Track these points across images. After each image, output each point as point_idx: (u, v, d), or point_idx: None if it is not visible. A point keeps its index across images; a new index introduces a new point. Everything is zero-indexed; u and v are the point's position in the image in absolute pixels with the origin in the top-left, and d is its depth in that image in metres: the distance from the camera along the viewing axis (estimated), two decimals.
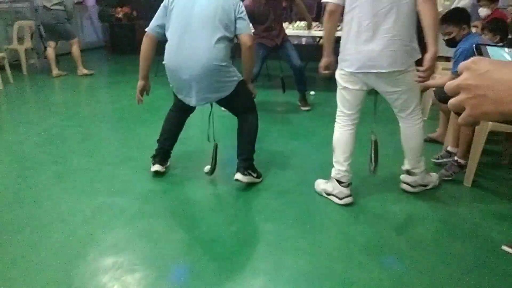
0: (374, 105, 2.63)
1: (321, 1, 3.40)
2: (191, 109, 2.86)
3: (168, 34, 2.59)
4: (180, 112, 2.89)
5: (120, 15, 8.62)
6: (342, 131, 2.54)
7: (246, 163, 2.73)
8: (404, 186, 2.70)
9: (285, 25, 4.93)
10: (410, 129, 2.53)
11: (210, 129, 2.76)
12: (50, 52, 6.27)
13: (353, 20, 2.33)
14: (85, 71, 6.43)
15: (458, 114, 0.59)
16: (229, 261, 2.02)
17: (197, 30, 2.50)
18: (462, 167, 2.83)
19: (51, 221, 2.35)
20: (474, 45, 0.93)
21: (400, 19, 2.24)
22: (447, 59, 4.84)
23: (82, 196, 2.64)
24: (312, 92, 5.26)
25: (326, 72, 2.59)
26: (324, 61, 2.56)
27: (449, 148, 3.08)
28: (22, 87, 5.85)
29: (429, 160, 3.09)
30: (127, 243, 2.16)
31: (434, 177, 2.74)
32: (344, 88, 2.47)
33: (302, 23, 5.25)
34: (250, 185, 2.77)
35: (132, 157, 3.26)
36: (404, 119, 2.53)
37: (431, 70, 2.24)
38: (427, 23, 2.19)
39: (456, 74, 0.60)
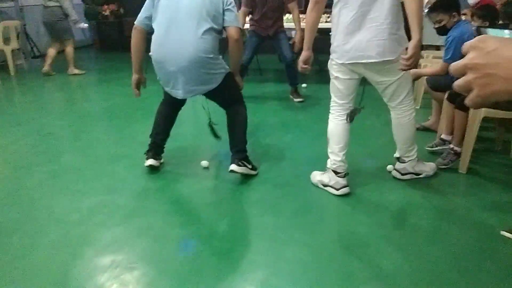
0: (362, 91, 2.56)
1: None
2: (181, 102, 2.85)
3: (154, 26, 2.57)
4: (171, 106, 2.87)
5: (107, 13, 8.52)
6: (336, 122, 2.53)
7: (240, 154, 2.72)
8: (394, 173, 2.73)
9: None
10: (401, 119, 2.53)
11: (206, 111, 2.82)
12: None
13: (340, 11, 2.33)
14: (76, 71, 6.36)
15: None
16: (228, 256, 2.01)
17: (184, 21, 2.47)
18: (459, 154, 2.84)
19: (47, 222, 2.32)
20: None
21: (385, 8, 2.23)
22: (437, 48, 4.86)
23: (77, 195, 2.61)
24: (304, 85, 5.25)
25: (305, 67, 2.54)
26: (303, 55, 2.53)
27: (443, 136, 3.09)
28: (11, 88, 5.76)
29: (424, 148, 3.11)
30: (125, 241, 2.14)
31: (428, 167, 2.74)
32: (336, 77, 2.47)
33: None
34: (246, 179, 2.76)
35: (126, 155, 3.23)
36: (394, 109, 2.53)
37: (416, 58, 2.22)
38: (411, 11, 2.20)
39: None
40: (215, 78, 2.58)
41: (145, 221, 2.32)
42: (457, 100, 2.78)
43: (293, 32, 7.99)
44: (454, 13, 2.94)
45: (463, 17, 3.20)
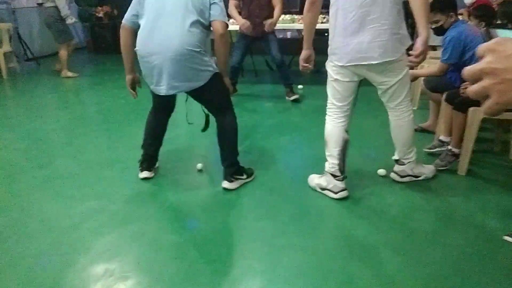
0: (355, 97, 2.53)
1: None
2: (170, 108, 2.80)
3: (141, 22, 2.51)
4: (160, 114, 2.80)
5: (100, 14, 8.44)
6: (334, 124, 2.49)
7: (231, 169, 2.66)
8: (392, 175, 2.69)
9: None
10: (399, 121, 2.49)
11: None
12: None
13: (338, 12, 2.28)
14: (69, 74, 6.27)
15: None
16: (224, 263, 1.96)
17: (170, 14, 2.41)
18: (457, 156, 2.81)
19: (38, 229, 2.26)
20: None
21: (387, 7, 2.19)
22: (434, 48, 4.83)
23: (69, 201, 2.55)
24: (300, 86, 5.20)
25: (306, 65, 2.51)
26: (303, 54, 2.50)
27: (441, 137, 3.06)
28: (3, 91, 5.68)
29: (422, 150, 3.07)
30: (118, 248, 2.08)
31: (427, 169, 2.71)
32: (335, 80, 2.43)
33: (287, 17, 5.20)
34: (242, 183, 2.71)
35: (120, 159, 3.17)
36: (392, 110, 2.50)
37: (424, 55, 2.19)
38: (417, 8, 2.15)
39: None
40: (201, 75, 2.48)
41: (138, 227, 2.27)
42: (455, 101, 2.75)
43: (288, 34, 8.02)
44: (451, 13, 2.92)
45: (460, 17, 3.17)
